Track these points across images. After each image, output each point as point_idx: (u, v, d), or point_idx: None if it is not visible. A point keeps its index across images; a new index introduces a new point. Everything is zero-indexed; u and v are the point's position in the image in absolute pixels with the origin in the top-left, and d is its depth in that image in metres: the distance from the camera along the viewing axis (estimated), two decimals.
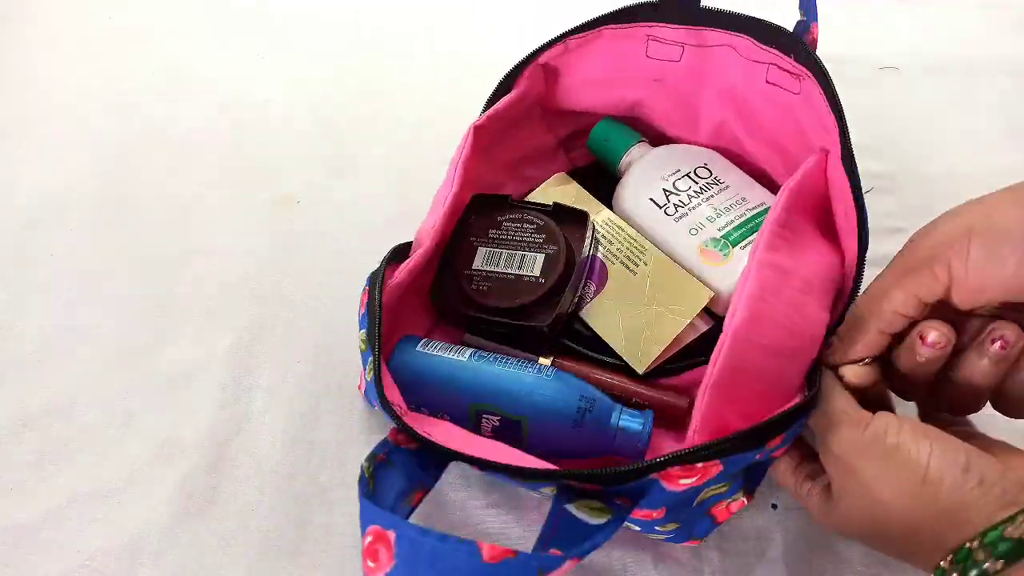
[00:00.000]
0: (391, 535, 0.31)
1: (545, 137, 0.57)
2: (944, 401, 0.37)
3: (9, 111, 0.71)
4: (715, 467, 0.34)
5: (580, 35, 0.52)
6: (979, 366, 0.34)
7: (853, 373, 0.37)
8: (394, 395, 0.39)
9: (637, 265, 0.48)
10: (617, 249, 0.49)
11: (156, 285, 0.56)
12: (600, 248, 0.49)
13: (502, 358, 0.44)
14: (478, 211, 0.49)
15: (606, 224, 0.50)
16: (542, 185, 0.54)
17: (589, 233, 0.48)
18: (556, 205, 0.48)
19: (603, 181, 0.54)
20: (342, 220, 0.59)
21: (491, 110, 0.50)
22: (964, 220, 0.33)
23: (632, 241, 0.49)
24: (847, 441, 0.34)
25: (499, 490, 0.44)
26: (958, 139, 0.64)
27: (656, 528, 0.38)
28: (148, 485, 0.45)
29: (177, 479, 0.45)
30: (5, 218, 0.61)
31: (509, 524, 0.43)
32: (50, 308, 0.55)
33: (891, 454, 0.32)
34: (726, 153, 0.54)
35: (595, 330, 0.47)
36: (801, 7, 0.47)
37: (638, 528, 0.39)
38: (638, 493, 0.35)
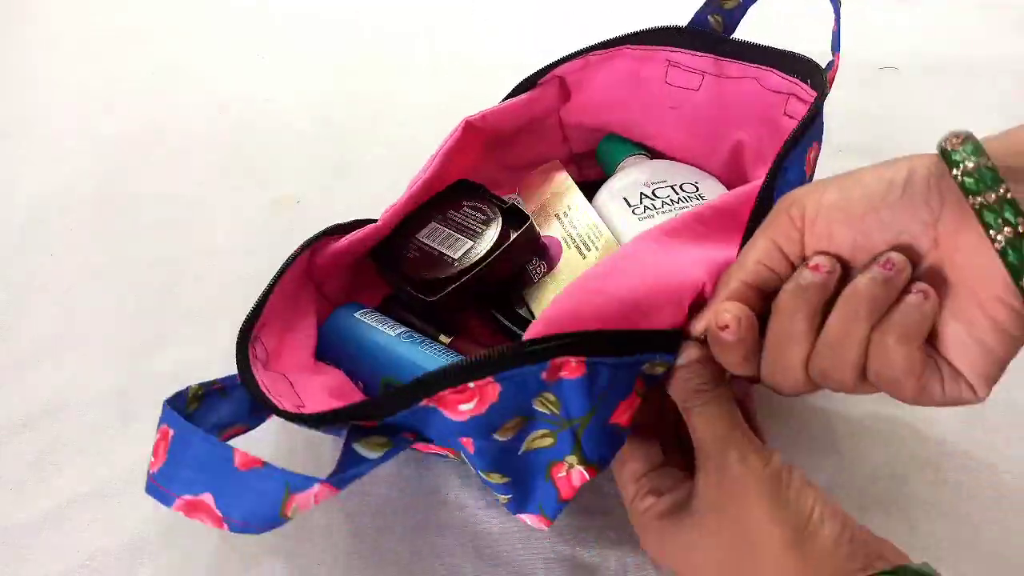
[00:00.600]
0: (171, 432, 0.33)
1: (560, 148, 0.57)
2: (818, 371, 0.33)
3: (9, 111, 0.71)
4: (491, 387, 0.32)
5: (601, 52, 0.52)
6: (861, 289, 0.31)
7: (719, 313, 0.33)
8: (268, 338, 0.41)
9: (589, 250, 0.48)
10: (577, 234, 0.49)
11: (156, 285, 0.56)
12: (561, 231, 0.50)
13: (430, 342, 0.44)
14: (453, 193, 0.50)
15: (576, 209, 0.50)
16: (535, 171, 0.54)
17: (521, 236, 0.47)
18: (511, 205, 0.48)
19: None
20: (342, 220, 0.59)
21: (488, 109, 0.50)
22: (829, 178, 0.33)
23: (593, 228, 0.48)
24: (752, 469, 0.32)
25: None
26: None
27: (482, 476, 0.36)
28: None
29: None
30: (5, 218, 0.61)
31: (509, 524, 0.43)
32: (50, 308, 0.55)
33: (783, 492, 0.32)
34: (736, 185, 0.52)
35: (531, 308, 0.47)
36: (833, 46, 0.46)
37: (475, 472, 0.37)
38: (422, 427, 0.34)
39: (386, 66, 0.76)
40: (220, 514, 0.31)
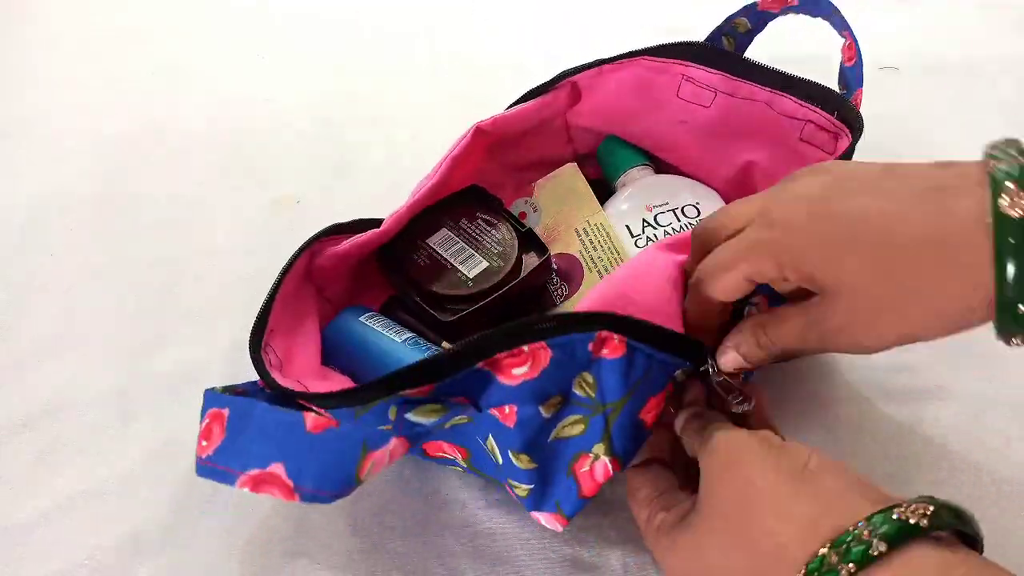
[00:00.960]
0: (225, 412, 0.32)
1: (564, 149, 0.56)
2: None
3: (9, 111, 0.71)
4: (543, 352, 0.33)
5: (616, 63, 0.52)
6: None
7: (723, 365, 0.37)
8: (277, 345, 0.41)
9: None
10: (598, 257, 0.49)
11: (156, 285, 0.56)
12: (580, 247, 0.49)
13: (437, 349, 0.44)
14: (466, 199, 0.50)
15: (596, 228, 0.50)
16: (552, 173, 0.54)
17: (538, 268, 0.47)
18: (528, 230, 0.48)
19: (608, 195, 0.54)
20: (342, 220, 0.59)
21: (499, 116, 0.50)
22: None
23: (614, 253, 0.48)
24: (736, 437, 0.33)
25: (499, 490, 0.44)
26: (958, 139, 0.64)
27: (511, 460, 0.36)
28: (148, 484, 0.45)
29: (177, 478, 0.45)
30: (5, 218, 0.61)
31: (510, 524, 0.43)
32: (50, 308, 0.55)
33: (774, 447, 0.32)
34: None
35: None
36: (841, 82, 0.46)
37: (501, 459, 0.37)
38: (475, 392, 0.35)
39: (386, 66, 0.76)
40: (291, 483, 0.31)
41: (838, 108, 0.45)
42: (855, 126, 0.43)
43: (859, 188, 0.31)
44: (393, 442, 0.31)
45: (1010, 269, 0.26)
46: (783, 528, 0.29)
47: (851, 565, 0.26)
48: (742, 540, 0.30)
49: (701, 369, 0.37)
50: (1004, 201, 0.26)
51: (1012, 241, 0.26)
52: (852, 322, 0.32)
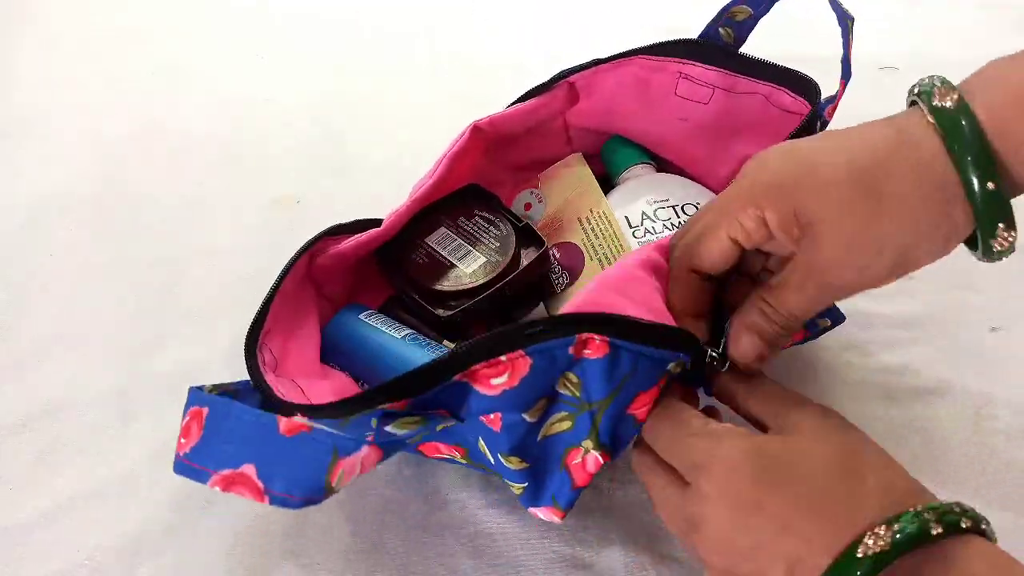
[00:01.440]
0: (204, 411, 0.33)
1: (563, 149, 0.56)
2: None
3: (9, 111, 0.71)
4: (522, 360, 0.33)
5: (612, 62, 0.52)
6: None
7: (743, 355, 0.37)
8: (274, 344, 0.41)
9: (611, 264, 0.48)
10: (599, 245, 0.49)
11: (156, 285, 0.56)
12: (582, 237, 0.50)
13: (436, 344, 0.44)
14: (464, 198, 0.50)
15: (599, 217, 0.50)
16: (556, 164, 0.54)
17: (535, 262, 0.47)
18: (526, 225, 0.48)
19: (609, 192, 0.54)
20: (342, 220, 0.59)
21: (496, 114, 0.50)
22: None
23: (615, 240, 0.48)
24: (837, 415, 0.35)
25: (499, 490, 0.44)
26: None
27: (502, 462, 0.36)
28: (148, 484, 0.45)
29: (177, 478, 0.45)
30: (5, 218, 0.61)
31: (510, 524, 0.43)
32: (50, 308, 0.55)
33: (833, 417, 0.34)
34: None
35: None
36: (842, 73, 0.46)
37: (493, 460, 0.37)
38: (454, 405, 0.35)
39: (386, 66, 0.76)
40: (261, 485, 0.31)
41: (814, 101, 0.45)
42: (812, 116, 0.43)
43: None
44: (365, 450, 0.31)
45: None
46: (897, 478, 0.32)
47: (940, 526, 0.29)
48: (851, 462, 0.32)
49: (707, 360, 0.36)
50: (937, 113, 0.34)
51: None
52: (843, 247, 0.33)
